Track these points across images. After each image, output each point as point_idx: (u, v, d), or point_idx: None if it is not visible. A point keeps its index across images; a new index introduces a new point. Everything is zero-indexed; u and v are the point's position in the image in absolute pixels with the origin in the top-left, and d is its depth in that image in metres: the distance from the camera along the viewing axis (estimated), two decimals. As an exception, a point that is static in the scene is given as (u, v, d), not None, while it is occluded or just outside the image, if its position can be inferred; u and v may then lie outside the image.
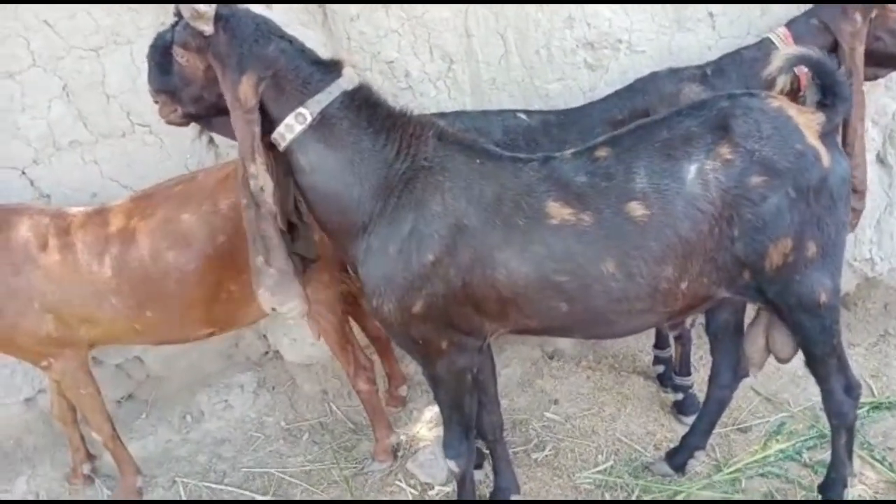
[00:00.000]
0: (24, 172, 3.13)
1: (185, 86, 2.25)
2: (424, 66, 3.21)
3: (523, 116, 2.85)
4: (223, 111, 2.23)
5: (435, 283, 2.18)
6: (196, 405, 3.65)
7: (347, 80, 2.23)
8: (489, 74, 3.22)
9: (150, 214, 2.79)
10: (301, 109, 2.17)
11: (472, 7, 3.09)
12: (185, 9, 2.07)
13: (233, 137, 2.33)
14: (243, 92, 2.13)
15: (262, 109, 2.17)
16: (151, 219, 2.78)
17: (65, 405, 3.19)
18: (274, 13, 3.03)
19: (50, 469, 3.41)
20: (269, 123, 2.20)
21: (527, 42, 3.12)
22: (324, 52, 3.11)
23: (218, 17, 2.12)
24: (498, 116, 2.86)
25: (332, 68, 2.23)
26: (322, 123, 2.18)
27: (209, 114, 2.33)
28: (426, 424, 3.41)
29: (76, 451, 3.31)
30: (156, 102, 2.38)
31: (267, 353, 3.82)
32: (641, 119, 2.33)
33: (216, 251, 2.76)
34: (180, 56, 2.19)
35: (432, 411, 3.43)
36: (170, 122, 2.40)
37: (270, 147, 2.23)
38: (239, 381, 3.72)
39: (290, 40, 2.23)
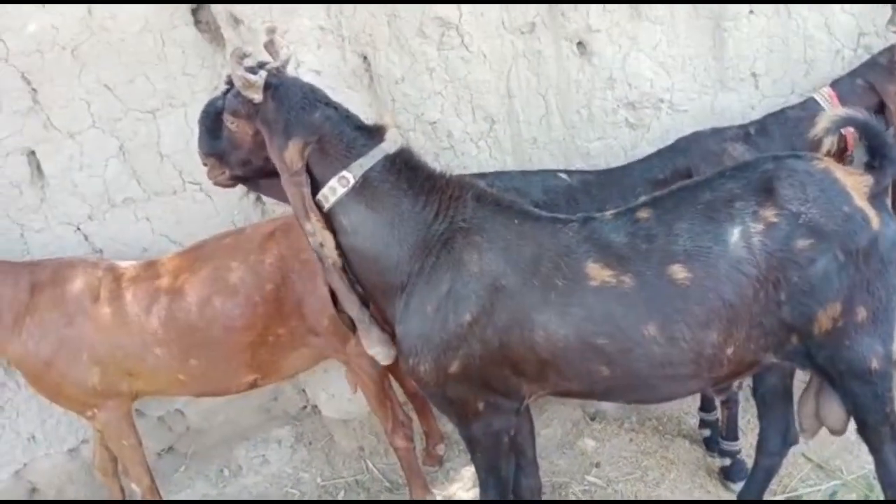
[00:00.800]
0: (78, 228, 3.25)
1: (233, 150, 2.33)
2: (466, 127, 3.27)
3: (564, 176, 2.87)
4: (269, 174, 2.30)
5: (472, 344, 2.17)
6: (234, 459, 3.67)
7: (389, 144, 2.28)
8: (530, 134, 3.26)
9: (200, 266, 2.87)
10: (344, 173, 2.22)
11: (514, 69, 3.14)
12: (237, 78, 2.15)
13: (278, 198, 2.40)
14: (290, 157, 2.19)
15: (309, 172, 2.23)
16: (202, 270, 2.86)
17: (107, 456, 3.24)
18: (323, 78, 3.15)
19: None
20: (314, 185, 2.25)
21: (568, 102, 3.16)
22: (369, 113, 3.24)
23: (267, 86, 2.19)
24: (538, 176, 2.88)
25: (375, 133, 2.29)
26: (364, 186, 2.22)
27: (256, 176, 2.40)
28: (463, 485, 3.35)
29: None
30: (205, 165, 2.46)
31: (305, 407, 3.82)
32: (683, 180, 2.33)
33: (263, 299, 2.82)
34: (230, 122, 2.27)
35: (470, 471, 3.37)
36: (217, 184, 2.48)
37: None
38: (277, 436, 3.72)
39: (336, 107, 2.29)
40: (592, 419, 3.64)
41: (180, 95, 3.19)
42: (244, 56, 2.18)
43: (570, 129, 3.21)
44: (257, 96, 2.18)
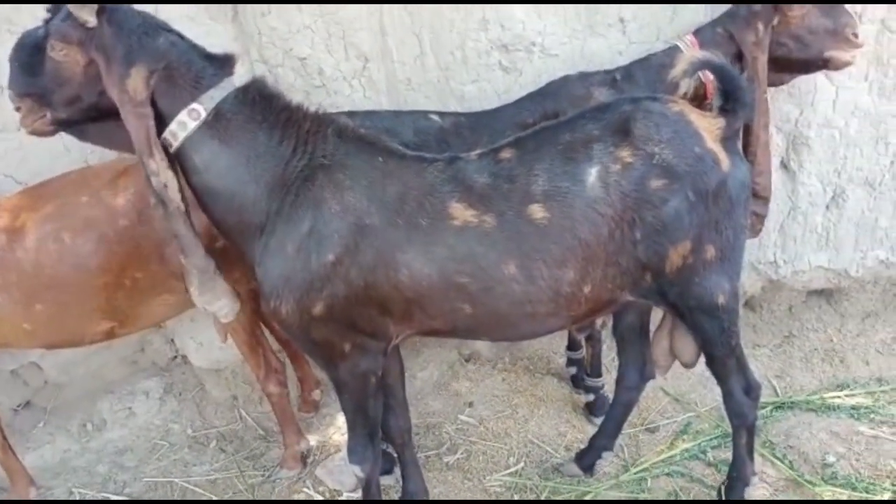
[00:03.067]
0: None
1: (58, 86, 2.11)
2: (339, 65, 3.16)
3: (435, 118, 2.82)
4: (103, 114, 2.12)
5: (336, 284, 2.13)
6: (97, 413, 3.50)
7: (241, 75, 2.16)
8: (405, 74, 3.19)
9: (44, 204, 2.64)
10: (195, 105, 2.09)
11: (386, 6, 3.05)
12: None
13: (109, 145, 2.22)
14: (133, 85, 2.03)
15: (153, 106, 2.08)
16: (46, 207, 2.63)
17: None
18: (181, 7, 2.94)
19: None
20: (158, 123, 2.10)
21: (442, 43, 3.10)
22: (234, 47, 3.06)
23: (101, 10, 2.02)
24: (410, 117, 2.82)
25: (225, 63, 2.17)
26: (216, 119, 2.11)
27: (84, 118, 2.18)
28: (339, 430, 3.34)
29: None
30: (17, 109, 2.20)
31: (175, 357, 3.68)
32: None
33: (118, 235, 2.62)
34: (59, 51, 2.07)
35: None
36: (34, 132, 2.21)
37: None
38: (144, 388, 3.58)
39: (180, 35, 2.15)
40: (467, 361, 3.71)
41: (20, 20, 2.89)
42: None
43: (445, 71, 3.16)
44: (91, 19, 2.00)
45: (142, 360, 3.64)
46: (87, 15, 2.00)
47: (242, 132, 2.12)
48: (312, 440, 3.26)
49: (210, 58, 2.16)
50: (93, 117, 2.17)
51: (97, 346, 3.33)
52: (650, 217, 2.13)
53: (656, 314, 2.64)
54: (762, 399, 2.62)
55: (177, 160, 2.16)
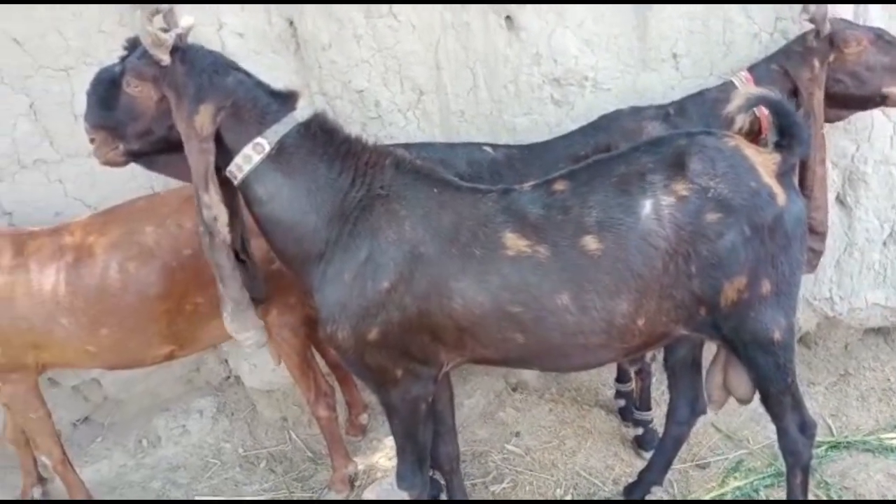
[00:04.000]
0: (-14, 189, 3.11)
1: (132, 120, 2.21)
2: (394, 97, 3.25)
3: (488, 150, 2.88)
4: (171, 146, 2.21)
5: (390, 311, 2.18)
6: (153, 430, 3.60)
7: (303, 110, 2.25)
8: (458, 107, 3.26)
9: (111, 230, 2.75)
10: (259, 139, 2.18)
11: (442, 40, 3.13)
12: (148, 35, 2.07)
13: (176, 176, 2.31)
14: (200, 122, 2.13)
15: (217, 142, 2.17)
16: (113, 233, 2.74)
17: (18, 428, 3.12)
18: (247, 41, 3.08)
19: (0, 492, 3.32)
20: (222, 157, 2.19)
21: (495, 76, 3.17)
22: (295, 80, 3.18)
23: (174, 49, 2.13)
24: (463, 149, 2.88)
25: (287, 99, 2.26)
26: (279, 153, 2.19)
27: (154, 150, 2.27)
28: (386, 454, 3.37)
29: (27, 475, 3.26)
30: (92, 141, 2.28)
31: (228, 378, 3.77)
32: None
33: (181, 265, 2.72)
34: (134, 86, 2.17)
35: (392, 441, 3.39)
36: (107, 163, 2.30)
37: (222, 182, 2.22)
38: (198, 406, 3.67)
39: (247, 73, 2.25)
40: (514, 390, 3.71)
41: (96, 54, 3.06)
42: (156, 13, 2.10)
43: (497, 104, 3.22)
44: (165, 57, 2.10)
45: (196, 380, 3.74)
46: (162, 54, 2.10)
47: (304, 164, 2.21)
48: (360, 464, 3.29)
49: (274, 94, 2.25)
50: (161, 149, 2.26)
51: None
52: (705, 251, 2.13)
53: (709, 347, 2.62)
54: (817, 438, 2.56)
55: (240, 192, 2.25)
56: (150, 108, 2.18)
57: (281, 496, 3.21)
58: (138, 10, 2.03)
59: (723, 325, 2.25)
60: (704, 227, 2.12)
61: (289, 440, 3.58)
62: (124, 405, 3.66)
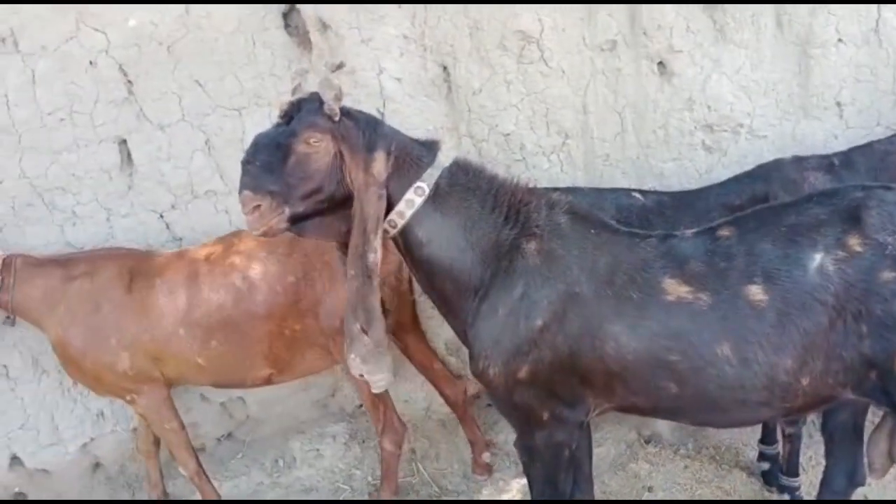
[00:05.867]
0: (161, 216, 3.40)
1: (302, 179, 2.19)
2: (539, 140, 3.31)
3: (638, 196, 2.86)
4: (333, 206, 2.25)
5: (542, 350, 2.19)
6: (289, 451, 3.73)
7: (447, 154, 2.33)
8: (603, 151, 3.27)
9: (230, 254, 3.02)
10: (419, 183, 2.24)
11: (591, 85, 3.17)
12: (332, 89, 2.16)
13: (325, 238, 2.36)
14: (377, 168, 2.20)
15: None
16: (232, 257, 3.01)
17: (150, 440, 3.36)
18: (403, 85, 3.23)
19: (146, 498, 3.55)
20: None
21: (644, 121, 3.17)
22: (445, 123, 3.31)
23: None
24: (612, 194, 2.89)
25: (432, 145, 2.34)
26: (436, 195, 2.25)
27: (315, 211, 2.26)
28: (512, 496, 3.34)
29: (153, 487, 3.44)
30: (254, 210, 2.18)
31: (360, 406, 3.87)
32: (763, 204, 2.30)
33: (284, 289, 2.96)
34: (314, 142, 2.19)
35: (520, 483, 3.37)
36: (267, 232, 2.20)
37: None
38: (332, 432, 3.78)
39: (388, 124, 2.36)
40: (647, 442, 3.59)
41: (266, 95, 3.30)
42: (341, 67, 2.23)
43: (645, 149, 3.21)
44: (338, 112, 2.19)
45: (331, 405, 3.86)
46: (337, 107, 2.19)
47: (459, 203, 2.26)
48: (487, 505, 3.28)
49: (419, 141, 2.34)
50: (321, 210, 2.27)
51: (295, 387, 3.62)
52: (879, 310, 2.01)
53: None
54: None
55: (398, 239, 2.30)
56: (326, 164, 2.20)
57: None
58: (323, 64, 2.12)
59: (894, 391, 2.10)
60: (879, 285, 2.00)
61: (416, 472, 3.61)
62: (264, 424, 3.82)
